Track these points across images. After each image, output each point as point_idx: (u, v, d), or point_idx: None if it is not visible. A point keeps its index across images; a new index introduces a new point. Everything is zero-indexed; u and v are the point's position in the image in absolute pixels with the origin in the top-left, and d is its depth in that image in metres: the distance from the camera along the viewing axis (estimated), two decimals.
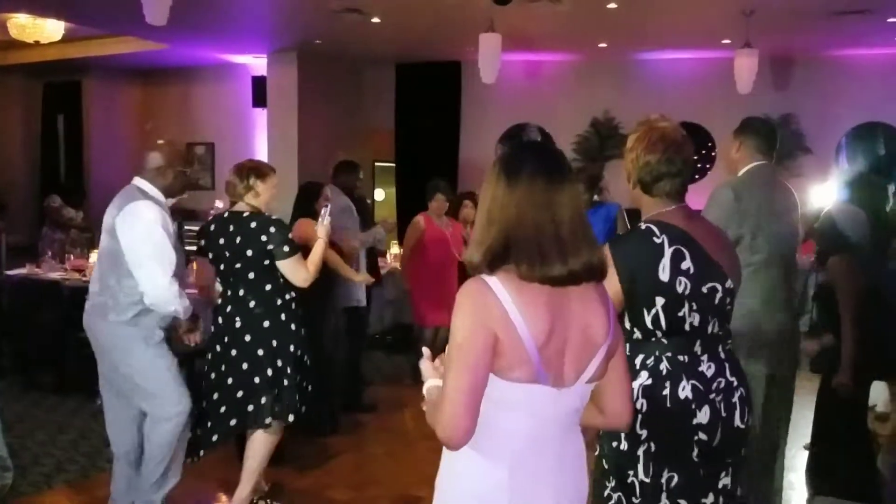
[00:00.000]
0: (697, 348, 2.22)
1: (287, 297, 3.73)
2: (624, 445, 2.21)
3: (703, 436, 2.18)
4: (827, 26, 7.51)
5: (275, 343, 3.65)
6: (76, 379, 5.47)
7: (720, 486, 2.24)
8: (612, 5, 6.93)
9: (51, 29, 8.24)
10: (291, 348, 3.70)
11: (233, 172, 3.77)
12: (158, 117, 11.68)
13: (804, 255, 8.04)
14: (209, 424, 3.68)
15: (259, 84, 10.28)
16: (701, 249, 2.22)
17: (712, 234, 2.33)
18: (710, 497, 2.23)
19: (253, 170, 3.76)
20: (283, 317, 3.70)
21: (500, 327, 1.59)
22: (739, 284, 2.38)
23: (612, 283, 2.13)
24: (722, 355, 2.27)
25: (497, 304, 1.60)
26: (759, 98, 8.11)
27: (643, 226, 2.25)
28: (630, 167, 2.32)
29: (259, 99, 10.30)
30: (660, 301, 2.18)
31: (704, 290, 2.20)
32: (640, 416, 2.18)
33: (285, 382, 3.66)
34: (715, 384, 2.22)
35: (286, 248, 3.61)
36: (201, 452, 3.74)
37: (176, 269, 3.40)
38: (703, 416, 2.18)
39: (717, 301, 2.23)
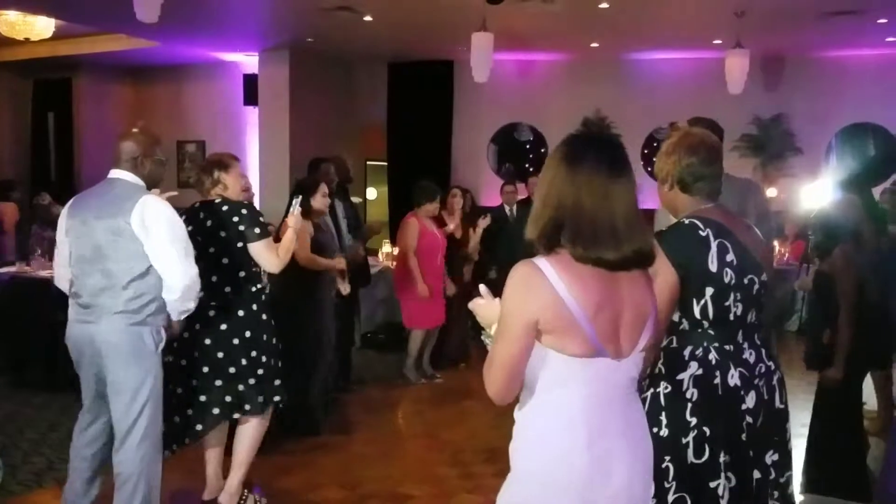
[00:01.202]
0: (740, 337, 2.35)
1: (259, 286, 3.73)
2: (665, 433, 2.29)
3: (749, 419, 2.31)
4: (817, 27, 7.55)
5: (248, 333, 3.64)
6: (66, 377, 5.44)
7: (768, 461, 2.37)
8: (604, 5, 6.95)
9: (41, 26, 8.21)
10: (265, 337, 3.71)
11: (197, 171, 3.80)
12: (149, 115, 11.64)
13: (793, 258, 8.11)
14: (190, 413, 3.62)
15: (250, 82, 10.26)
16: (740, 243, 2.35)
17: (747, 229, 2.46)
18: (757, 473, 2.35)
19: (215, 164, 3.75)
20: (254, 306, 3.69)
21: (546, 307, 1.73)
22: (771, 277, 2.51)
23: (669, 274, 2.25)
24: (758, 342, 2.40)
25: (546, 286, 1.73)
26: (750, 98, 8.15)
27: (686, 220, 2.36)
28: (669, 168, 2.43)
29: (250, 97, 10.29)
30: (709, 291, 2.29)
31: (745, 281, 2.34)
32: (690, 404, 2.29)
33: (261, 371, 3.66)
34: (757, 370, 2.35)
35: (257, 230, 3.61)
36: (186, 440, 3.67)
37: None
38: (750, 401, 2.31)
39: (754, 292, 2.37)
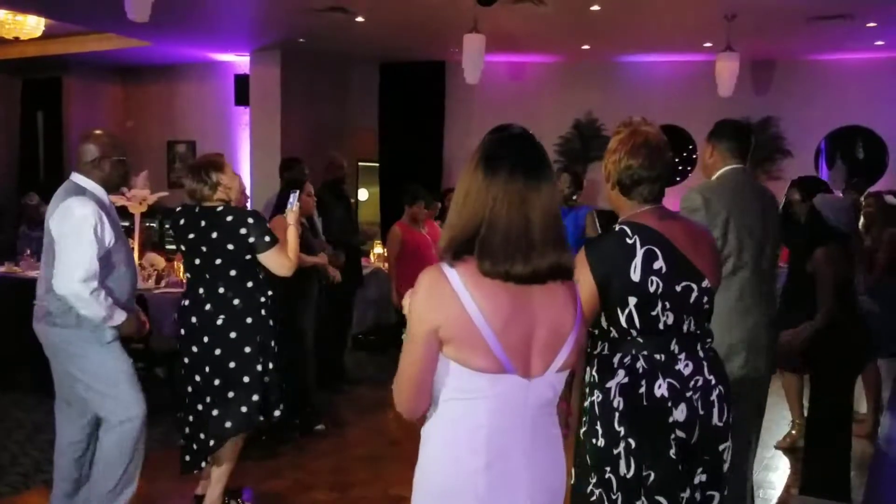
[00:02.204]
0: (674, 347, 2.26)
1: (267, 292, 3.67)
2: (601, 442, 2.25)
3: (680, 433, 2.22)
4: (807, 30, 7.59)
5: (259, 339, 3.57)
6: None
7: (696, 482, 2.27)
8: (595, 8, 6.96)
9: (31, 25, 8.16)
10: (272, 344, 3.65)
11: (189, 177, 3.58)
12: (140, 115, 11.60)
13: (781, 260, 8.15)
14: (206, 430, 3.54)
15: (242, 82, 10.22)
16: (674, 249, 2.25)
17: (689, 233, 2.35)
18: (688, 492, 2.26)
19: (210, 166, 3.59)
20: (262, 312, 3.61)
21: (451, 318, 1.63)
22: (719, 283, 2.41)
23: (588, 284, 2.20)
24: (700, 354, 2.30)
25: (451, 295, 1.63)
26: (740, 101, 8.18)
27: (617, 227, 2.30)
28: (611, 168, 2.36)
29: (241, 97, 10.25)
30: (632, 300, 2.22)
31: (678, 288, 2.24)
32: (617, 413, 2.22)
33: (267, 379, 3.60)
34: (692, 382, 2.25)
35: (267, 239, 3.52)
36: (203, 464, 3.62)
37: (108, 270, 3.24)
38: (679, 413, 2.22)
39: (692, 300, 2.26)
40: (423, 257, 6.12)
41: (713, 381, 2.29)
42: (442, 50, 9.21)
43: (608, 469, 2.23)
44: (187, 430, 3.62)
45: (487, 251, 1.63)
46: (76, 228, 3.16)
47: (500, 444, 1.69)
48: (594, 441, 2.26)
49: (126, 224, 4.04)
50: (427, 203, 6.30)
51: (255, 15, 8.19)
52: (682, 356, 2.26)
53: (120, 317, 3.26)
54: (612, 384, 2.24)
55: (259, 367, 3.56)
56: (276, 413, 3.67)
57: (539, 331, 1.68)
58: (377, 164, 10.69)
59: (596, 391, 2.27)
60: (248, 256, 3.53)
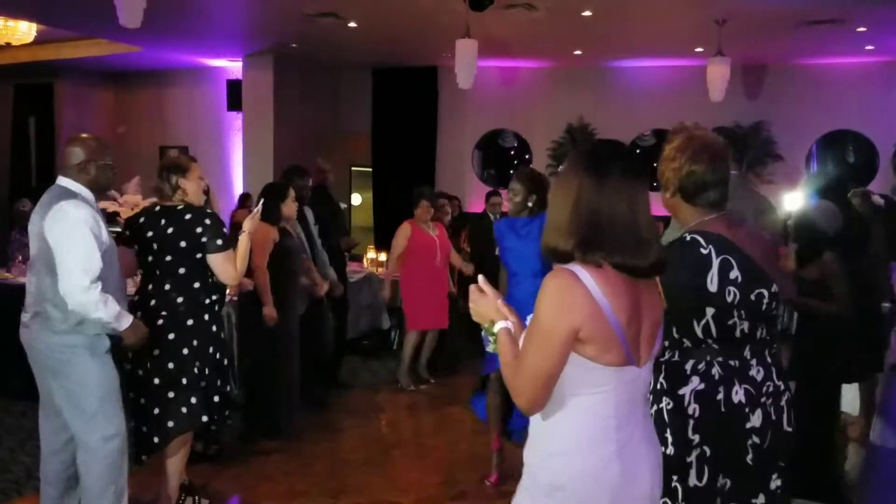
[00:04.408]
0: (747, 353, 2.24)
1: (213, 297, 3.66)
2: (670, 451, 2.20)
3: (756, 439, 2.20)
4: (798, 35, 7.63)
5: (195, 343, 3.57)
6: None
7: (772, 487, 2.27)
8: (587, 13, 6.99)
9: (22, 31, 8.15)
10: (211, 350, 3.64)
11: (157, 176, 3.67)
12: (132, 120, 11.59)
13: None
14: (148, 425, 3.58)
15: (234, 87, 10.23)
16: (746, 257, 2.22)
17: (755, 239, 2.32)
18: (761, 498, 2.26)
19: (173, 168, 3.64)
20: (206, 317, 3.62)
21: (588, 317, 1.72)
22: (781, 287, 2.38)
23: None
24: (768, 359, 2.28)
25: (586, 295, 1.72)
26: (731, 105, 8.22)
27: (688, 237, 2.23)
28: (669, 175, 2.28)
29: (234, 102, 10.25)
30: (709, 311, 2.19)
31: (752, 297, 2.21)
32: (691, 421, 2.19)
33: (204, 383, 3.61)
34: (764, 388, 2.23)
35: (219, 242, 3.55)
36: (143, 458, 3.64)
37: (106, 272, 3.19)
38: (756, 419, 2.20)
39: (763, 307, 2.24)
40: (427, 258, 6.12)
41: (782, 387, 2.27)
42: (434, 55, 9.22)
43: (675, 478, 2.19)
44: (132, 421, 3.60)
45: (616, 246, 1.74)
46: (73, 230, 3.11)
47: (627, 429, 1.80)
48: (661, 449, 2.18)
49: (118, 230, 4.00)
50: (432, 203, 6.29)
51: (247, 20, 8.19)
52: (754, 362, 2.24)
53: (126, 320, 3.24)
54: (685, 391, 2.20)
55: (195, 370, 3.57)
56: (204, 418, 3.63)
57: (645, 323, 1.81)
58: (370, 169, 10.69)
59: (665, 398, 2.23)
60: (199, 255, 3.54)
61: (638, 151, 9.97)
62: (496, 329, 1.86)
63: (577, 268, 1.74)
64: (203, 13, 7.61)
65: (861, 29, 7.40)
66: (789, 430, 2.28)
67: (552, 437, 1.82)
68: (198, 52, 9.91)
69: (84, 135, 3.39)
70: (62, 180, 3.26)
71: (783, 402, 2.27)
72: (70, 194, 3.21)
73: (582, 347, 1.73)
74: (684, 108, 8.96)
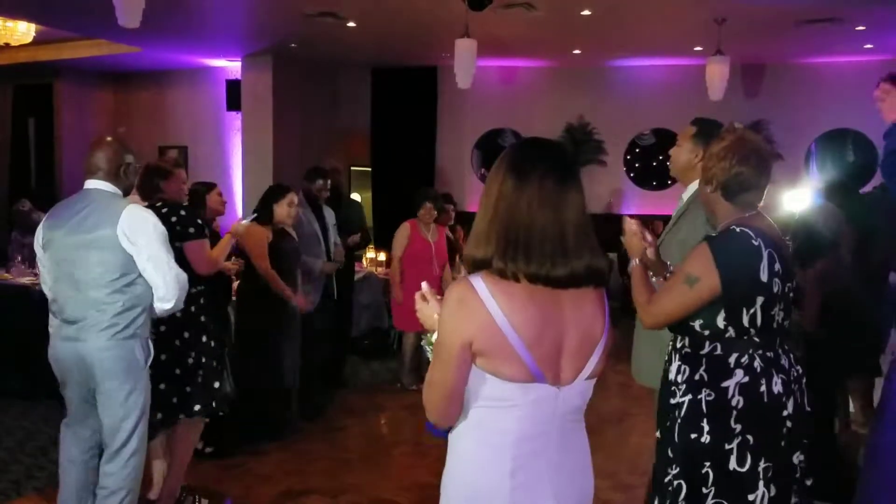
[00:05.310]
0: (778, 344, 2.39)
1: (197, 287, 3.71)
2: (706, 439, 2.31)
3: (789, 424, 2.33)
4: (797, 34, 7.64)
5: (186, 334, 3.68)
6: (46, 385, 5.38)
7: (796, 462, 2.39)
8: (586, 12, 6.99)
9: (22, 31, 8.14)
10: (204, 338, 3.74)
11: (140, 176, 3.71)
12: (131, 121, 11.58)
13: None
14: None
15: (233, 87, 10.22)
16: (785, 251, 2.38)
17: (780, 236, 2.46)
18: (791, 474, 2.38)
19: (155, 172, 3.82)
20: (192, 308, 3.70)
21: (479, 329, 1.62)
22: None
23: (712, 282, 2.29)
24: (786, 347, 2.43)
25: (480, 308, 1.62)
26: (730, 104, 8.21)
27: (738, 229, 2.34)
28: (716, 172, 2.41)
29: (233, 102, 10.24)
30: (759, 300, 2.30)
31: (787, 289, 2.37)
32: (735, 412, 2.29)
33: (201, 372, 3.68)
34: (792, 375, 2.38)
35: (191, 230, 3.69)
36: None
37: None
38: (790, 406, 2.34)
39: (790, 299, 2.41)
40: (421, 261, 6.12)
41: (800, 371, 2.42)
42: (433, 55, 9.22)
43: (707, 464, 2.29)
44: None
45: (529, 255, 1.62)
46: (158, 234, 3.10)
47: (527, 451, 1.68)
48: (693, 436, 2.32)
49: None
50: (435, 206, 6.28)
51: (246, 20, 8.19)
52: (781, 352, 2.38)
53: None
54: (729, 383, 2.31)
55: (191, 360, 3.66)
56: (212, 404, 3.71)
57: (569, 338, 1.67)
58: (369, 169, 10.69)
59: (705, 390, 2.33)
60: (177, 243, 3.57)
61: (637, 151, 9.99)
62: (432, 338, 1.80)
63: (475, 278, 1.64)
64: (202, 13, 7.61)
65: (860, 28, 7.40)
66: (809, 409, 2.42)
67: (453, 451, 1.76)
68: (197, 52, 9.91)
69: (109, 138, 3.30)
70: (96, 183, 3.16)
71: (804, 385, 2.42)
72: (119, 197, 3.16)
73: (479, 360, 1.64)
74: (683, 107, 8.98)
